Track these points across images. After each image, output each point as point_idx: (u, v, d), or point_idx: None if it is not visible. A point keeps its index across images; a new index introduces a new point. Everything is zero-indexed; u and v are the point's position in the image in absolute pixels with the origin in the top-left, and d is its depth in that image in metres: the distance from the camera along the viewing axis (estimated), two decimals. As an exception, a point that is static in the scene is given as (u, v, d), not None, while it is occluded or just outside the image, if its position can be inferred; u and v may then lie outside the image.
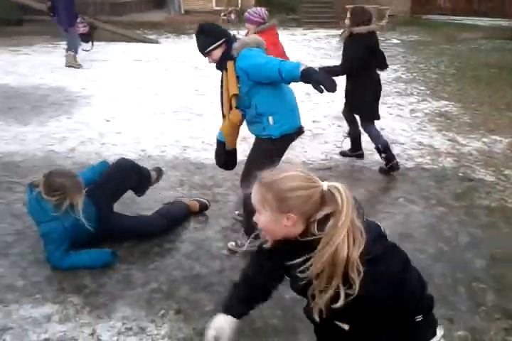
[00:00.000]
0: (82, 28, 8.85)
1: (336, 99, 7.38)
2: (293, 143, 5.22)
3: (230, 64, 2.92)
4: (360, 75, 4.43)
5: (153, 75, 8.58)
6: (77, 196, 2.87)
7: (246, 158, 3.23)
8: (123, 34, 12.91)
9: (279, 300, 2.70)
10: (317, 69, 2.69)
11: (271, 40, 4.70)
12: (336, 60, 11.11)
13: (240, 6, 19.80)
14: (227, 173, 4.22)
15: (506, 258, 3.25)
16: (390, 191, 4.29)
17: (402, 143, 5.55)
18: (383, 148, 4.65)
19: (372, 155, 5.06)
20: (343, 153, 5.09)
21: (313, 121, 6.25)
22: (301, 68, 2.65)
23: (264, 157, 3.04)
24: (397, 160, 4.71)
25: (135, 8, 18.23)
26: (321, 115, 6.56)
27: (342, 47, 4.70)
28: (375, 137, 4.69)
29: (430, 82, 8.95)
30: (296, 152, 5.10)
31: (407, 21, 19.31)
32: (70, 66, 8.88)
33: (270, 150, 3.04)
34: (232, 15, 15.32)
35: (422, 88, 8.43)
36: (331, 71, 4.30)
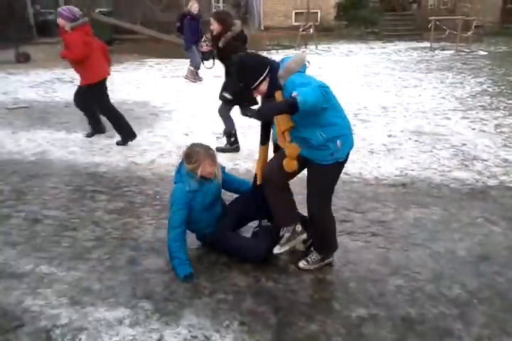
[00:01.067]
0: (205, 47, 9.61)
1: (415, 114, 7.20)
2: (366, 158, 5.22)
3: (278, 93, 2.72)
4: None
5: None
6: (208, 165, 3.12)
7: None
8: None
9: (345, 318, 2.66)
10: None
11: (81, 38, 5.16)
12: (415, 73, 10.84)
13: (319, 21, 19.95)
14: (295, 187, 4.23)
15: None
16: (469, 210, 4.07)
17: (485, 160, 5.26)
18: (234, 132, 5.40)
19: (451, 172, 4.86)
20: (220, 149, 5.25)
21: (389, 136, 6.11)
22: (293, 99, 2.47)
23: (332, 181, 2.97)
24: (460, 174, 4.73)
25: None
26: (398, 129, 6.40)
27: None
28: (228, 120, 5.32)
29: (520, 95, 8.45)
30: (370, 167, 5.01)
31: (496, 32, 18.44)
32: (186, 78, 9.98)
33: (338, 173, 2.95)
34: (311, 30, 15.39)
35: (510, 101, 7.97)
36: None
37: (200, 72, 9.94)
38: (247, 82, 2.77)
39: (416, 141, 5.95)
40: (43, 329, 2.54)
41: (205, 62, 9.66)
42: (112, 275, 3.05)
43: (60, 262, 3.19)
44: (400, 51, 15.19)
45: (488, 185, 4.58)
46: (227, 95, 5.05)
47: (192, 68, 9.85)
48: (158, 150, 5.52)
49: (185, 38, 9.70)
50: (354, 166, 4.99)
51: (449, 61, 12.81)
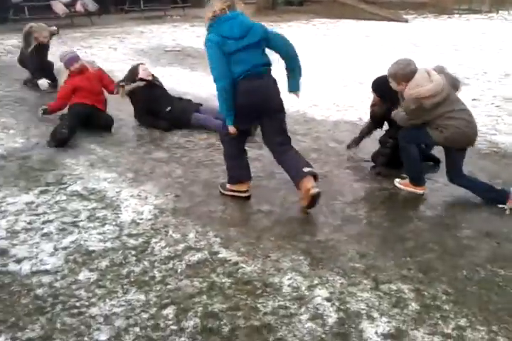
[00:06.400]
0: None
1: None
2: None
3: None
4: None
5: (359, 50, 9.13)
6: None
7: None
8: (372, 12, 13.61)
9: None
10: None
11: None
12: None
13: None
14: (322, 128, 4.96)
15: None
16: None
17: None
18: None
19: (490, 136, 4.85)
20: None
21: (473, 99, 6.04)
22: None
23: None
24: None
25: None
26: (491, 95, 6.24)
27: None
28: None
29: None
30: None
31: None
32: None
33: None
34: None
35: None
36: None
37: None
38: None
39: (497, 106, 5.83)
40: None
41: None
42: (134, 158, 4.36)
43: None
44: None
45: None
46: None
47: None
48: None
49: None
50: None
51: None
